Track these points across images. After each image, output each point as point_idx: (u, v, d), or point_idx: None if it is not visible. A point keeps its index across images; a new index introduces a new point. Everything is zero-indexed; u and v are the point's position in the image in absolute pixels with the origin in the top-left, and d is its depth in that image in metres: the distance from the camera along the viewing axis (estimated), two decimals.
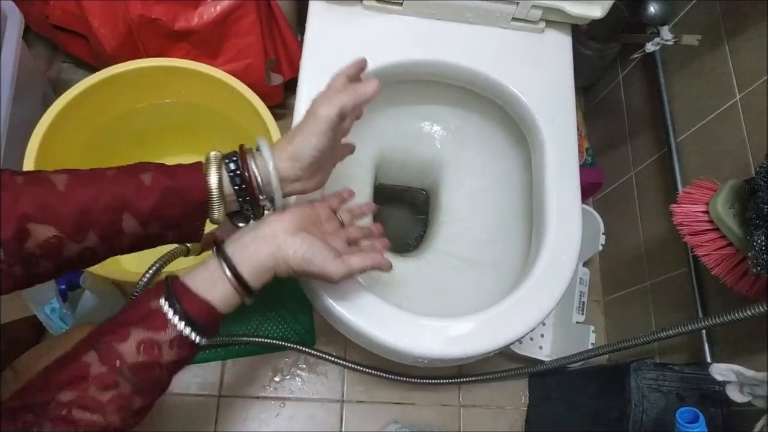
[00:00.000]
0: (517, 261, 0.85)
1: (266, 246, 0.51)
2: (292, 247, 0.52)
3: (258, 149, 0.53)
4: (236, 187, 0.51)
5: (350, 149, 0.67)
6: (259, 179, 0.51)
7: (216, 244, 0.51)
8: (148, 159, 1.18)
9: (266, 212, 0.55)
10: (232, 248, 0.50)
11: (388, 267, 0.59)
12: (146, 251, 0.98)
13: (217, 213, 0.51)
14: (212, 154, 0.51)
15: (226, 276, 0.49)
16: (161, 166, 0.50)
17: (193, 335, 0.47)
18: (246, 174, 0.51)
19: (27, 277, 0.46)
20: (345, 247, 0.61)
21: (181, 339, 0.46)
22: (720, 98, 0.84)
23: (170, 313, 0.45)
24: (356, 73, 0.59)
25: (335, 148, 0.57)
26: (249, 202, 0.52)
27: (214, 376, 1.06)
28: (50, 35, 1.14)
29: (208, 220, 0.52)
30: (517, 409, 1.12)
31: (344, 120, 0.55)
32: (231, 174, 0.51)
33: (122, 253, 0.51)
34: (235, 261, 0.49)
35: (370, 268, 0.57)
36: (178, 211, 0.49)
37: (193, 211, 0.50)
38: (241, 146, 0.53)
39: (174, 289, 0.47)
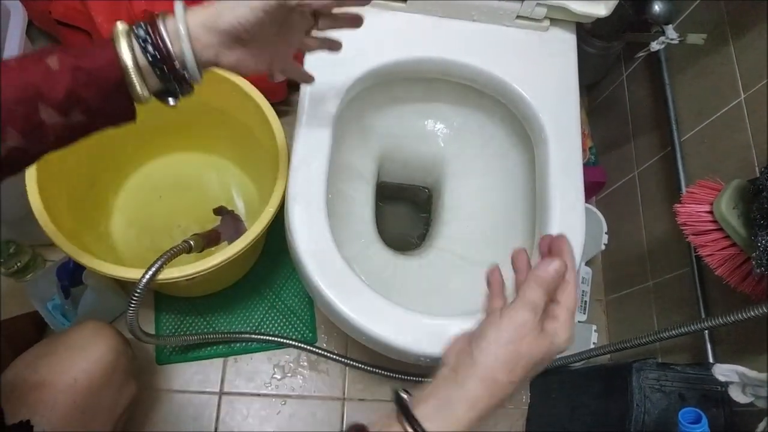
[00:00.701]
0: None
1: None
2: None
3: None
4: (150, 58, 0.46)
5: (329, 45, 0.60)
6: (170, 45, 0.46)
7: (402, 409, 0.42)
8: (150, 156, 1.18)
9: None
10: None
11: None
12: (146, 250, 0.98)
13: (140, 90, 0.47)
14: (119, 25, 0.46)
15: None
16: (66, 48, 0.45)
17: None
18: (158, 41, 0.46)
19: None
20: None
21: None
22: (725, 98, 0.84)
23: None
24: None
25: (282, 32, 0.52)
26: (170, 76, 0.48)
27: (215, 373, 1.06)
28: (53, 31, 1.14)
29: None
30: (518, 409, 1.12)
31: (283, 18, 0.49)
32: (142, 43, 0.46)
33: (56, 147, 0.48)
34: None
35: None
36: (94, 93, 0.45)
37: (113, 91, 0.46)
38: (150, 13, 0.49)
39: None
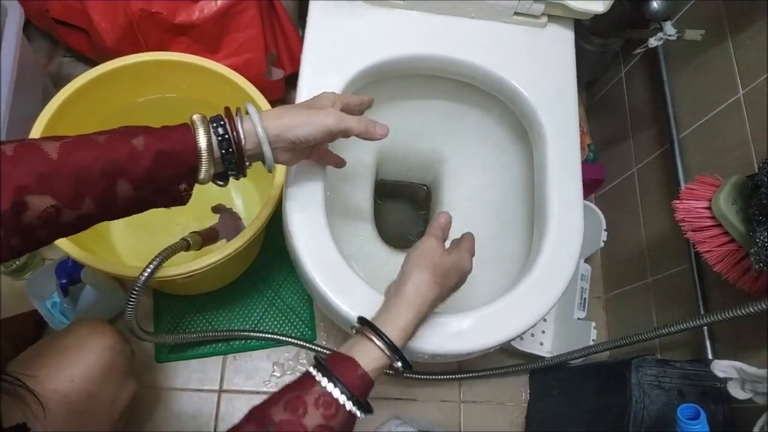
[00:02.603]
0: (519, 257, 0.85)
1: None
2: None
3: (247, 112, 0.56)
4: (223, 151, 0.53)
5: (336, 162, 0.70)
6: (244, 142, 0.54)
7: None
8: None
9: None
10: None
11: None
12: (145, 248, 0.99)
13: (205, 174, 0.53)
14: (196, 116, 0.53)
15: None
16: (150, 130, 0.51)
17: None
18: (234, 136, 0.53)
19: (24, 246, 0.46)
20: None
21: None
22: (723, 94, 0.84)
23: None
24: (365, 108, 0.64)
25: (313, 151, 0.64)
26: (234, 164, 0.55)
27: (214, 371, 1.06)
28: (51, 29, 1.14)
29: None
30: (517, 406, 1.12)
31: (334, 139, 0.59)
32: (219, 138, 0.53)
33: (114, 217, 0.52)
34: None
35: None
36: (170, 173, 0.51)
37: (183, 173, 0.52)
38: (227, 109, 0.55)
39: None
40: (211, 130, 0.53)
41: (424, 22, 0.82)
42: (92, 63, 1.09)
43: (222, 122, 0.53)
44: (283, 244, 0.74)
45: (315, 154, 0.65)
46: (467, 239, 0.64)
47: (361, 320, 0.55)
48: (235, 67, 0.92)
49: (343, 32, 0.80)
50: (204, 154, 0.52)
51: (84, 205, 0.47)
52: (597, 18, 0.83)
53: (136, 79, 0.91)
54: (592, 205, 1.11)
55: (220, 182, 0.58)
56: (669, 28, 0.88)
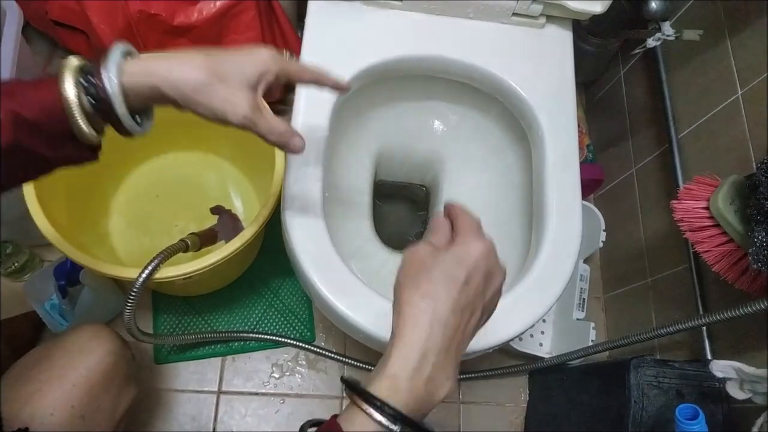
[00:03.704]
0: (517, 257, 0.85)
1: None
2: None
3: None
4: (93, 104, 0.44)
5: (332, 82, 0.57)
6: (110, 93, 0.44)
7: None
8: (148, 155, 1.18)
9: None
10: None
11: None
12: (144, 249, 0.98)
13: (88, 133, 0.44)
14: (72, 60, 0.44)
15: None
16: (10, 91, 0.43)
17: None
18: (99, 90, 0.44)
19: None
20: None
21: None
22: (722, 94, 0.84)
23: None
24: (328, 85, 0.56)
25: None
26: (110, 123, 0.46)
27: (213, 372, 1.06)
28: (49, 31, 1.14)
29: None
30: (517, 406, 1.12)
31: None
32: (88, 91, 0.44)
33: (5, 189, 0.46)
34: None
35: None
36: (43, 141, 0.43)
37: (61, 137, 0.44)
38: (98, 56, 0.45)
39: None
40: (81, 81, 0.43)
41: (422, 23, 0.82)
42: None
43: (90, 75, 0.44)
44: (282, 245, 0.74)
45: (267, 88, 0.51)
46: (461, 218, 0.45)
47: (349, 384, 0.40)
48: None
49: (341, 33, 0.80)
50: (76, 112, 0.43)
51: None
52: (595, 18, 0.83)
53: None
54: (591, 206, 1.11)
55: (125, 133, 0.47)
56: (667, 29, 0.88)
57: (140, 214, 1.08)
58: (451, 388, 0.39)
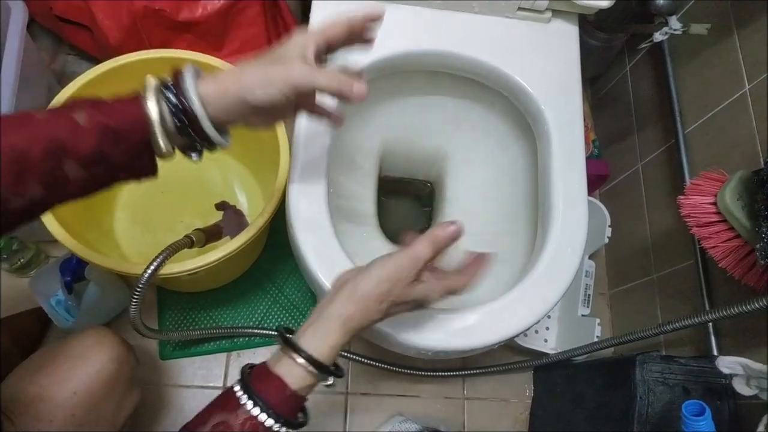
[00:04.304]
0: (523, 253, 0.85)
1: None
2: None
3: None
4: (178, 122, 0.47)
5: (331, 116, 0.61)
6: (196, 108, 0.47)
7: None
8: None
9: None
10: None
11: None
12: (149, 245, 0.98)
13: (165, 149, 0.48)
14: (150, 79, 0.47)
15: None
16: (96, 102, 0.46)
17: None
18: (187, 105, 0.46)
19: None
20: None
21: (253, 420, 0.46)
22: (729, 89, 0.83)
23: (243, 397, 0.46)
24: (362, 24, 0.55)
25: (300, 103, 0.56)
26: (197, 137, 0.49)
27: (218, 367, 1.06)
28: (55, 27, 1.14)
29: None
30: (521, 402, 1.12)
31: (304, 96, 0.51)
32: (172, 107, 0.46)
33: (75, 199, 0.48)
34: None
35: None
36: (122, 150, 0.46)
37: (139, 149, 0.47)
38: (176, 70, 0.48)
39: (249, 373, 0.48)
40: (162, 100, 0.46)
41: (427, 18, 0.82)
42: (96, 61, 1.09)
43: (174, 89, 0.46)
44: (287, 241, 0.74)
45: (304, 105, 0.57)
46: (454, 279, 0.54)
47: (283, 336, 0.50)
48: None
49: None
50: (156, 127, 0.46)
51: (29, 189, 0.43)
52: (602, 13, 0.83)
53: (139, 76, 0.91)
54: (597, 202, 1.11)
55: (192, 156, 0.51)
56: (674, 23, 0.87)
57: (145, 211, 1.08)
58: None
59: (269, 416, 0.45)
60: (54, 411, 0.62)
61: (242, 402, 0.45)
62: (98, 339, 0.70)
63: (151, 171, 0.50)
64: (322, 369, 0.48)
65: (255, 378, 0.47)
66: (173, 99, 0.46)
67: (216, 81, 0.48)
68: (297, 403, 0.48)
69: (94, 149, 0.44)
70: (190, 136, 0.48)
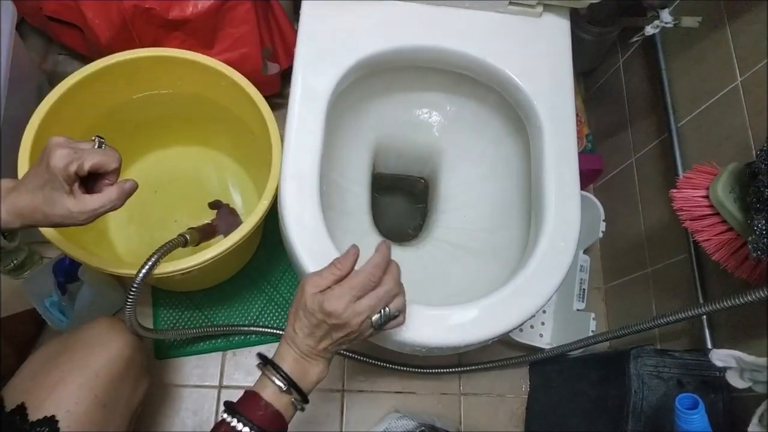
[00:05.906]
0: (517, 248, 0.85)
1: None
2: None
3: None
4: None
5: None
6: None
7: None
8: (146, 150, 1.17)
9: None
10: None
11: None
12: (144, 244, 0.97)
13: None
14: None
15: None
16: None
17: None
18: None
19: None
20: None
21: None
22: (721, 81, 0.83)
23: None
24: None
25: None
26: None
27: (214, 366, 1.06)
28: (45, 27, 1.13)
29: None
30: (517, 397, 1.12)
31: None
32: None
33: None
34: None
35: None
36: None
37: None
38: None
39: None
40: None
41: (418, 13, 0.82)
42: (87, 60, 1.08)
43: None
44: (281, 239, 0.74)
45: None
46: (346, 281, 0.59)
47: (261, 356, 0.59)
48: (231, 63, 0.91)
49: (337, 25, 0.80)
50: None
51: None
52: (594, 7, 0.83)
53: (130, 75, 0.91)
54: (591, 196, 1.11)
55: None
56: (666, 16, 0.87)
57: (139, 210, 1.08)
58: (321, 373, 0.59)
59: (250, 428, 0.54)
60: (78, 393, 0.65)
61: (228, 421, 0.54)
62: (112, 326, 0.73)
63: None
64: (293, 385, 0.57)
65: (238, 400, 0.57)
66: None
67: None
68: (274, 414, 0.56)
69: None
70: None
